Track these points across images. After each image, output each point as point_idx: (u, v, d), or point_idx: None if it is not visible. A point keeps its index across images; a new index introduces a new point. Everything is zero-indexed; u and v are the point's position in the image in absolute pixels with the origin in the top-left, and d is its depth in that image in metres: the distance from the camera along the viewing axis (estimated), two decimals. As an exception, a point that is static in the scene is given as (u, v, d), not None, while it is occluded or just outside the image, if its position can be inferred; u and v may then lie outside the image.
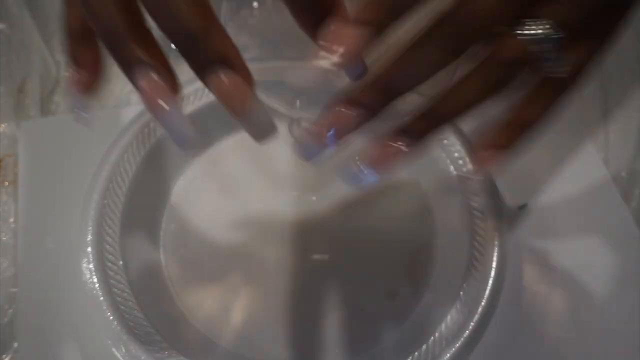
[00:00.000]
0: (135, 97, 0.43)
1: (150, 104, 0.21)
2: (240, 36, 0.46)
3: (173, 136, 0.23)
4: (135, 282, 0.34)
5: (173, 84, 0.22)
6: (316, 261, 0.37)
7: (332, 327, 0.35)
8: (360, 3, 0.21)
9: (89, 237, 0.34)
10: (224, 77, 0.21)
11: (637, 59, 0.47)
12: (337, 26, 0.21)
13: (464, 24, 0.21)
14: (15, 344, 0.34)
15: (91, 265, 0.33)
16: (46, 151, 0.40)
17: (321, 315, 0.35)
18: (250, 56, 0.45)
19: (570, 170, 0.41)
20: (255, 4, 0.48)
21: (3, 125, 0.41)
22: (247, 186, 0.39)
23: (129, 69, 0.21)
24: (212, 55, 0.20)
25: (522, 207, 0.39)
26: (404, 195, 0.40)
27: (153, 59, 0.21)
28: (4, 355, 0.34)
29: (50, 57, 0.44)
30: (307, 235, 0.38)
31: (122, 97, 0.43)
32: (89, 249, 0.33)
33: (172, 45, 0.21)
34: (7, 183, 0.39)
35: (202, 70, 0.21)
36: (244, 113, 0.21)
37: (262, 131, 0.23)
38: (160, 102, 0.21)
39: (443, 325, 0.32)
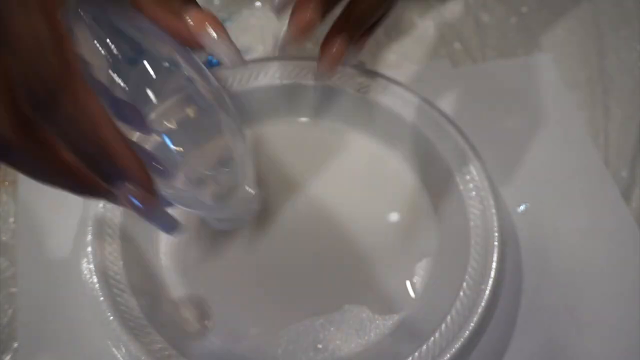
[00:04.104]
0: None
1: (135, 212, 0.24)
2: (243, 36, 0.46)
3: (160, 228, 0.26)
4: (135, 282, 0.34)
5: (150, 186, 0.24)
6: (317, 261, 0.37)
7: (330, 327, 0.35)
8: None
9: (89, 237, 0.34)
10: (129, 192, 0.23)
11: (636, 59, 0.47)
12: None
13: None
14: (15, 344, 0.34)
15: (91, 265, 0.33)
16: (46, 151, 0.40)
17: (320, 315, 0.35)
18: (252, 57, 0.45)
19: (570, 170, 0.41)
20: (257, 4, 0.48)
21: (3, 125, 0.41)
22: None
23: (105, 195, 0.24)
24: (116, 173, 0.23)
25: (522, 207, 0.39)
26: (405, 196, 0.40)
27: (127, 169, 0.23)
28: (4, 355, 0.34)
29: (50, 57, 0.44)
30: (309, 235, 0.38)
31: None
32: (89, 249, 0.33)
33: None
34: (7, 183, 0.39)
35: (113, 186, 0.23)
36: (152, 214, 0.25)
37: (169, 226, 0.27)
38: (140, 207, 0.24)
39: (443, 325, 0.32)
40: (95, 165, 0.23)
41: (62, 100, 0.20)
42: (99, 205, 0.35)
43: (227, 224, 0.36)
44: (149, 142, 0.30)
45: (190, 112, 0.28)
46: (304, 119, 0.42)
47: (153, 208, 0.24)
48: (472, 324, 0.32)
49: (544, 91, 0.45)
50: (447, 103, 0.40)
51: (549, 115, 0.43)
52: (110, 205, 0.35)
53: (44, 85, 0.20)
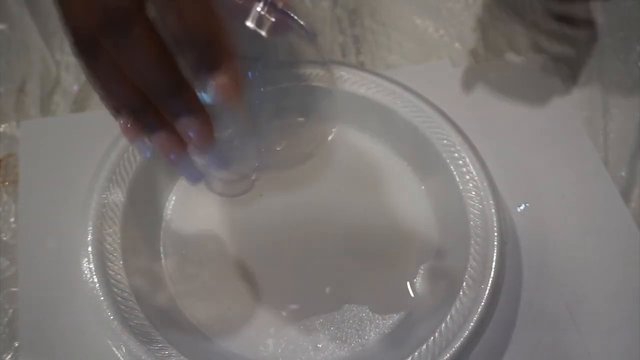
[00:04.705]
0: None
1: (165, 157, 0.27)
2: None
3: (184, 176, 0.29)
4: (135, 282, 0.34)
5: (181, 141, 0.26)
6: (316, 261, 0.37)
7: (330, 327, 0.35)
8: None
9: (89, 237, 0.34)
10: (191, 122, 0.25)
11: (636, 60, 0.47)
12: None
13: None
14: (16, 343, 0.34)
15: (91, 265, 0.33)
16: (46, 151, 0.40)
17: (320, 315, 0.35)
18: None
19: (570, 171, 0.41)
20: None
21: (3, 125, 0.41)
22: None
23: (148, 131, 0.26)
24: (181, 107, 0.25)
25: (522, 207, 0.39)
26: (405, 196, 0.40)
27: (164, 120, 0.26)
28: (5, 354, 0.34)
29: (50, 57, 0.44)
30: (308, 235, 0.38)
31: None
32: (89, 249, 0.33)
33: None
34: (7, 183, 0.39)
35: (174, 117, 0.25)
36: (206, 149, 0.26)
37: (223, 162, 0.30)
38: (171, 156, 0.26)
39: (443, 325, 0.32)
40: (164, 98, 0.25)
41: (137, 25, 0.23)
42: (99, 205, 0.35)
43: (230, 186, 0.36)
44: None
45: None
46: (302, 119, 0.42)
47: (209, 146, 0.26)
48: (472, 324, 0.32)
49: (543, 91, 0.45)
50: (447, 103, 0.40)
51: (548, 116, 0.43)
52: (110, 205, 0.35)
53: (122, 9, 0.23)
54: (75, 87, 0.43)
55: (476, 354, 0.33)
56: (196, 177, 0.29)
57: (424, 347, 0.32)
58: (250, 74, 0.30)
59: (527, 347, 0.35)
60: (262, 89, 0.32)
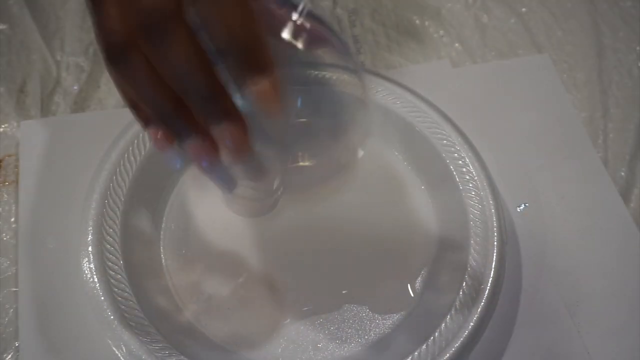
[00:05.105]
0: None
1: (197, 164, 0.26)
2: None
3: (218, 184, 0.28)
4: (135, 282, 0.34)
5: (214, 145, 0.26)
6: (316, 261, 0.37)
7: (330, 327, 0.35)
8: None
9: (90, 237, 0.34)
10: (228, 129, 0.25)
11: (635, 60, 0.47)
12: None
13: None
14: (17, 343, 0.34)
15: (92, 265, 0.33)
16: (46, 151, 0.40)
17: (320, 315, 0.35)
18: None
19: (569, 171, 0.41)
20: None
21: (3, 125, 0.41)
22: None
23: (179, 139, 0.26)
24: (219, 112, 0.24)
25: (522, 207, 0.40)
26: (405, 196, 0.40)
27: (197, 127, 0.25)
28: (6, 354, 0.34)
29: (51, 57, 0.44)
30: (309, 235, 0.38)
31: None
32: (90, 249, 0.34)
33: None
34: (7, 183, 0.39)
35: (211, 122, 0.25)
36: (242, 158, 0.26)
37: (256, 173, 0.29)
38: (204, 163, 0.26)
39: (443, 325, 0.32)
40: (202, 102, 0.24)
41: (176, 26, 0.23)
42: (99, 205, 0.35)
43: (247, 207, 0.36)
44: None
45: None
46: (302, 120, 0.42)
47: (245, 155, 0.25)
48: (471, 324, 0.32)
49: (543, 92, 0.45)
50: (447, 103, 0.40)
51: (548, 116, 0.43)
52: (110, 205, 0.35)
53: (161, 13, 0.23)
54: (76, 87, 0.43)
55: (476, 354, 0.33)
56: (230, 184, 0.29)
57: (424, 347, 0.32)
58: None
59: (527, 347, 0.35)
60: (298, 104, 0.32)
